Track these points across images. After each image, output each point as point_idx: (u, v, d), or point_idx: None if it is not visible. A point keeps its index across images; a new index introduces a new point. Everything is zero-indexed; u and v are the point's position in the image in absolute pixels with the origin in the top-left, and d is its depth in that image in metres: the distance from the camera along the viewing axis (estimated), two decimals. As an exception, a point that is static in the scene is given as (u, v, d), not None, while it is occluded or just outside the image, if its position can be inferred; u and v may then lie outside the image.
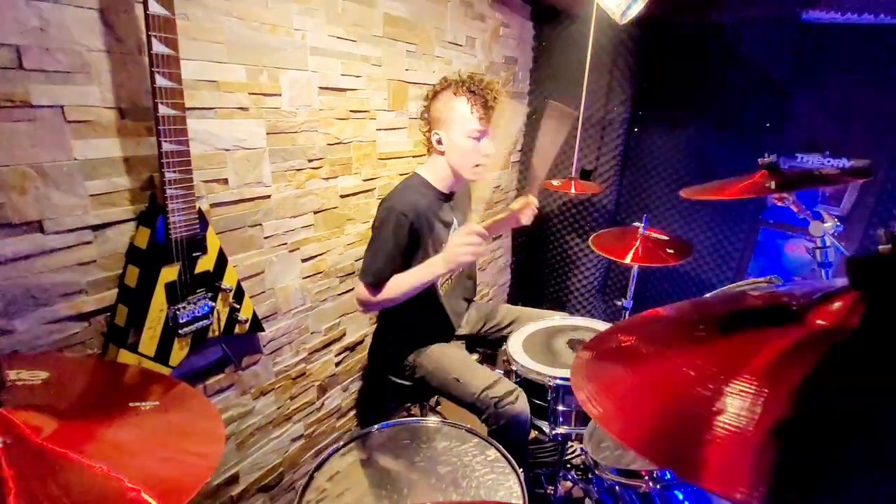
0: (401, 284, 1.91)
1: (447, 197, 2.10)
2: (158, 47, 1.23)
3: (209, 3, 1.50)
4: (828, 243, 1.86)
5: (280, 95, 1.79)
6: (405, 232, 1.90)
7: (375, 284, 1.91)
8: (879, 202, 2.93)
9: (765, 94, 2.99)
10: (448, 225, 2.10)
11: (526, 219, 2.28)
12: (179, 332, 1.49)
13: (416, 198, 1.96)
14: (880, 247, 0.73)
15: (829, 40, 2.85)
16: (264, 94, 1.73)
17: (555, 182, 2.99)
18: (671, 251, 2.52)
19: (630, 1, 2.45)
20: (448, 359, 2.09)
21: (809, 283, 0.87)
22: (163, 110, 1.27)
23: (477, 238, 1.78)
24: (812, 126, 3.04)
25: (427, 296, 2.07)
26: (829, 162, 2.95)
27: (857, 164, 2.80)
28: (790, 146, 3.05)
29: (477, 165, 1.99)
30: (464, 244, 1.78)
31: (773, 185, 1.87)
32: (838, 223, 1.86)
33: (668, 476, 1.25)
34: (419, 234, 1.95)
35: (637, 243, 2.56)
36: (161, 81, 1.25)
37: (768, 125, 3.00)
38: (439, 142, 1.99)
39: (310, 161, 1.98)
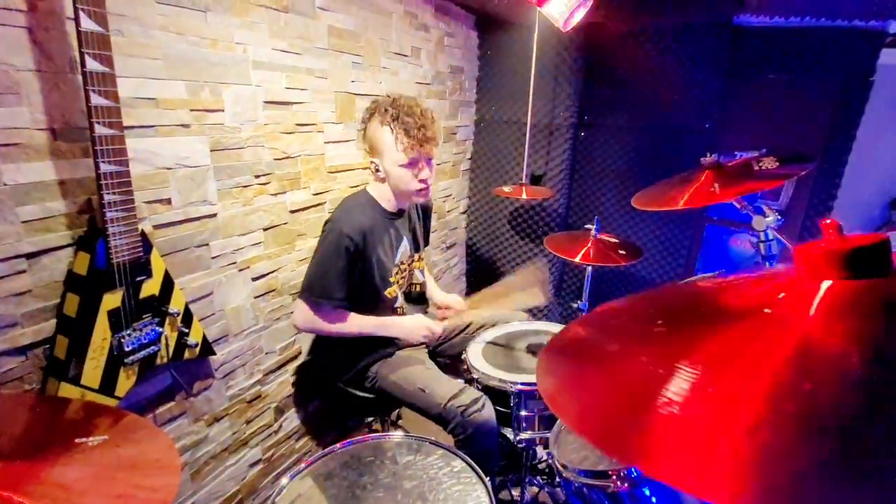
0: (356, 324, 1.96)
1: (395, 215, 2.07)
2: (92, 65, 1.18)
3: (145, 19, 1.45)
4: (770, 237, 1.92)
5: (223, 111, 1.75)
6: (351, 253, 1.87)
7: (318, 303, 1.89)
8: (814, 195, 3.07)
9: (703, 95, 3.09)
10: (398, 241, 2.07)
11: (441, 314, 2.25)
12: (125, 360, 1.42)
13: (361, 217, 1.92)
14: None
15: (760, 42, 2.97)
16: (207, 110, 1.69)
17: (506, 188, 3.01)
18: (623, 252, 2.57)
19: (572, 8, 2.49)
20: (411, 369, 2.06)
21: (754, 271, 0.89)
22: (99, 130, 1.22)
23: (436, 335, 2.04)
24: (748, 125, 3.16)
25: (387, 306, 2.06)
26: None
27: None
28: (729, 145, 3.16)
29: (418, 190, 1.95)
30: (421, 329, 2.01)
31: (717, 188, 1.93)
32: (779, 217, 1.92)
33: (636, 474, 1.25)
34: (364, 254, 1.91)
35: (589, 245, 2.59)
36: (96, 100, 1.20)
37: (707, 125, 3.10)
38: (377, 170, 1.95)
39: (257, 177, 1.93)
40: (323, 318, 1.92)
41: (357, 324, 1.96)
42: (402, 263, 2.10)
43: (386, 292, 2.03)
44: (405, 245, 2.10)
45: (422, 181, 1.94)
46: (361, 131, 1.99)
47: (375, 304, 2.02)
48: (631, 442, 0.58)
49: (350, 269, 1.88)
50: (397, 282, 2.09)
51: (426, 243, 2.34)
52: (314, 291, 1.89)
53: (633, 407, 0.63)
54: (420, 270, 2.23)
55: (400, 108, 1.87)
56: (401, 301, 2.12)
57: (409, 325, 2.04)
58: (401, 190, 1.96)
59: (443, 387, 1.94)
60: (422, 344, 2.12)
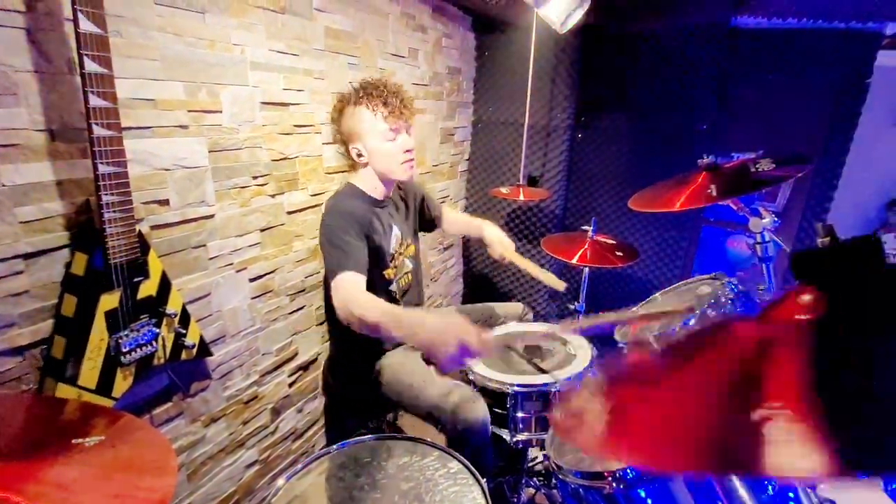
0: (397, 312, 1.69)
1: (381, 203, 2.06)
2: (91, 66, 1.18)
3: (143, 20, 1.45)
4: (767, 238, 1.92)
5: (221, 112, 1.75)
6: (359, 226, 1.86)
7: (356, 276, 1.72)
8: (811, 197, 3.08)
9: (700, 96, 3.10)
10: (388, 231, 2.06)
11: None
12: (122, 361, 1.42)
13: (353, 204, 1.94)
14: (819, 240, 0.76)
15: (757, 44, 2.98)
16: (204, 111, 1.69)
17: (503, 189, 3.02)
18: (620, 253, 2.57)
19: (570, 11, 2.50)
20: (405, 369, 2.05)
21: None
22: (98, 131, 1.22)
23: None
24: (745, 126, 3.17)
25: (385, 287, 2.06)
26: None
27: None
28: (725, 146, 3.17)
29: (404, 162, 1.96)
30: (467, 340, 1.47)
31: (713, 191, 1.92)
32: (776, 219, 1.92)
33: (631, 475, 1.26)
34: (367, 232, 1.91)
35: (586, 246, 2.60)
36: (95, 101, 1.20)
37: (704, 127, 3.11)
38: (359, 155, 1.96)
39: (254, 178, 1.94)
40: (363, 294, 1.69)
41: (398, 312, 1.69)
42: (396, 251, 2.11)
43: (385, 273, 2.03)
44: (396, 233, 2.11)
45: (407, 151, 1.95)
46: (335, 129, 2.00)
47: (376, 283, 1.96)
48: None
49: (364, 242, 1.86)
50: (394, 270, 2.10)
51: (435, 215, 2.40)
52: (354, 263, 1.74)
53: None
54: (409, 258, 2.23)
55: (369, 85, 1.91)
56: (395, 286, 2.11)
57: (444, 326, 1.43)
58: (388, 167, 1.96)
59: (435, 385, 1.94)
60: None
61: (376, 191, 2.04)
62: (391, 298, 2.10)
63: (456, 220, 2.56)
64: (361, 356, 2.10)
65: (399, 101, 1.90)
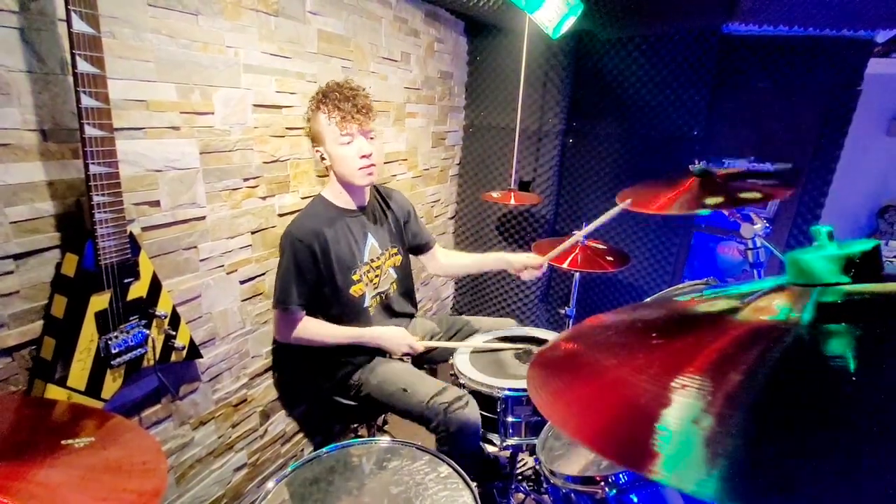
0: (324, 332, 2.02)
1: (353, 212, 2.06)
2: (84, 66, 1.18)
3: (137, 21, 1.45)
4: (758, 244, 1.93)
5: (213, 114, 1.75)
6: (305, 257, 1.90)
7: (286, 310, 1.94)
8: (802, 203, 3.10)
9: (691, 102, 3.12)
10: (363, 238, 2.07)
11: (527, 276, 2.26)
12: (112, 362, 1.42)
13: (314, 222, 1.94)
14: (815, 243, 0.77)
15: (748, 51, 3.00)
16: (196, 113, 1.69)
17: (494, 194, 3.02)
18: (610, 258, 2.58)
19: (562, 15, 2.51)
20: (393, 371, 2.06)
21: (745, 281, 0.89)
22: (90, 131, 1.22)
23: (413, 350, 2.08)
24: (736, 132, 3.19)
25: (355, 306, 2.06)
26: (754, 167, 3.11)
27: (780, 167, 2.96)
28: (717, 152, 3.19)
29: (362, 168, 1.94)
30: (403, 345, 2.07)
31: (709, 201, 1.92)
32: (767, 225, 1.93)
33: (623, 480, 1.26)
34: (323, 255, 1.93)
35: (576, 251, 2.60)
36: (87, 101, 1.20)
37: (696, 133, 3.13)
38: (322, 158, 1.97)
39: (246, 180, 1.93)
40: (296, 327, 1.97)
41: (332, 333, 2.01)
42: (372, 261, 2.10)
43: (351, 291, 2.03)
44: (372, 242, 2.11)
45: (364, 157, 1.93)
46: (306, 130, 2.02)
47: (342, 305, 2.02)
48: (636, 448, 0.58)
49: (310, 273, 1.92)
50: (372, 280, 2.10)
51: (420, 242, 2.37)
52: (280, 299, 1.93)
53: (638, 417, 0.64)
54: (394, 268, 2.23)
55: (328, 88, 1.92)
56: (369, 301, 2.11)
57: (389, 337, 2.06)
58: (346, 171, 1.95)
59: (426, 385, 1.95)
60: (406, 355, 2.12)
61: (343, 198, 2.04)
62: (362, 315, 2.10)
63: (458, 260, 2.51)
64: (342, 366, 2.10)
65: (351, 105, 1.88)
